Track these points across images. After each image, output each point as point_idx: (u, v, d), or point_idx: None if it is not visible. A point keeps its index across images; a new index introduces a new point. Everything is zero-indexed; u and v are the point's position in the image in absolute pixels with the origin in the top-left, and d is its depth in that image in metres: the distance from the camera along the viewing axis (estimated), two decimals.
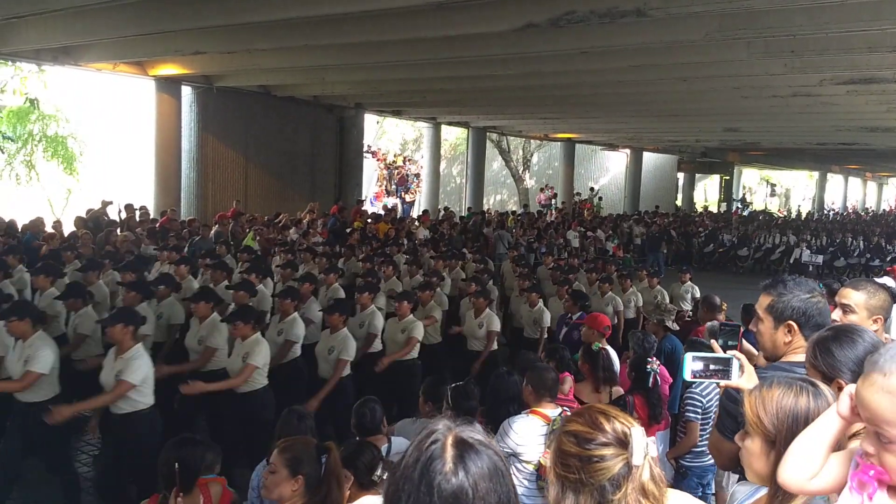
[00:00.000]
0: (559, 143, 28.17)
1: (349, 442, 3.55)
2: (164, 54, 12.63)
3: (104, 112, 21.54)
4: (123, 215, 13.37)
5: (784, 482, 1.48)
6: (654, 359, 4.95)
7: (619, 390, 5.09)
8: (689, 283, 9.85)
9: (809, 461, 1.43)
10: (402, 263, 10.13)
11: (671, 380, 5.42)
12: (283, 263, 9.12)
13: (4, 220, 11.79)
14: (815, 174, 44.79)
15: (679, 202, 35.83)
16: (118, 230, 12.05)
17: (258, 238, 12.27)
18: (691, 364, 2.30)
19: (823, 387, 1.77)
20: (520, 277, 9.27)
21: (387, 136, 31.94)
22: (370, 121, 24.26)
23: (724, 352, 2.42)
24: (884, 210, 46.29)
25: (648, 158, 32.62)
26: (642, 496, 1.52)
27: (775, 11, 8.21)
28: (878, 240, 21.46)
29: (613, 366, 5.31)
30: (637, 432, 1.54)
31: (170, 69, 13.97)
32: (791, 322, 2.48)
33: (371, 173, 27.95)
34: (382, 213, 19.24)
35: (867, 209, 45.98)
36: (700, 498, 3.50)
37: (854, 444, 1.39)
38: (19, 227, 11.59)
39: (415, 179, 28.79)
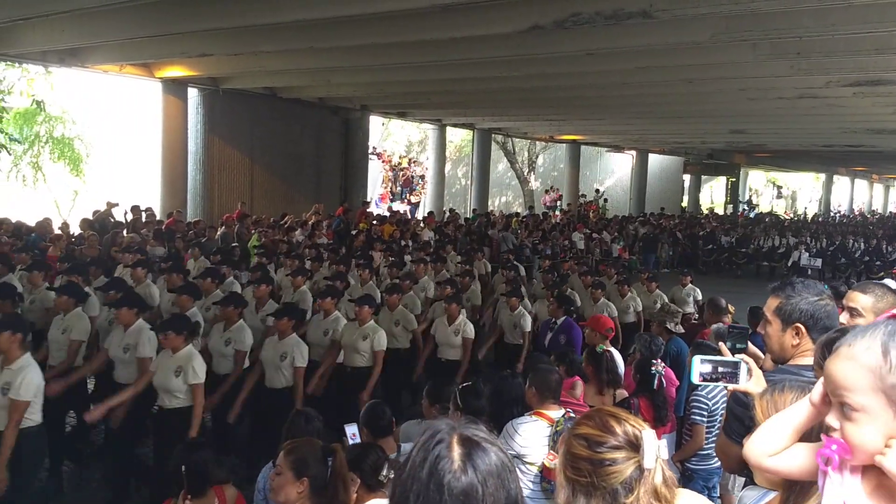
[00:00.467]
0: (564, 144, 28.14)
1: (354, 444, 3.53)
2: (171, 56, 12.68)
3: (111, 114, 21.63)
4: (129, 217, 13.41)
5: (745, 452, 1.55)
6: (660, 360, 4.92)
7: (623, 393, 5.07)
8: (691, 285, 9.75)
9: (771, 439, 1.48)
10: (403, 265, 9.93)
11: (678, 382, 5.40)
12: (292, 272, 8.54)
13: (11, 221, 11.82)
14: (822, 176, 44.70)
15: (685, 204, 35.76)
16: (124, 232, 12.07)
17: (263, 240, 12.29)
18: (699, 367, 2.29)
19: None
20: (506, 282, 9.01)
21: (392, 137, 31.98)
22: (375, 122, 24.29)
23: (733, 355, 2.41)
24: (890, 212, 46.09)
25: (654, 160, 32.57)
26: (654, 499, 1.51)
27: (781, 13, 8.19)
28: (877, 242, 21.34)
29: (617, 368, 5.30)
30: (648, 435, 1.53)
31: (176, 71, 14.03)
32: (799, 324, 2.48)
33: (376, 175, 28.00)
34: (388, 214, 19.27)
35: (873, 211, 45.82)
36: None
37: None
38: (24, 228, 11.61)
39: (420, 181, 28.83)
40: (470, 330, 7.08)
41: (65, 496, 5.59)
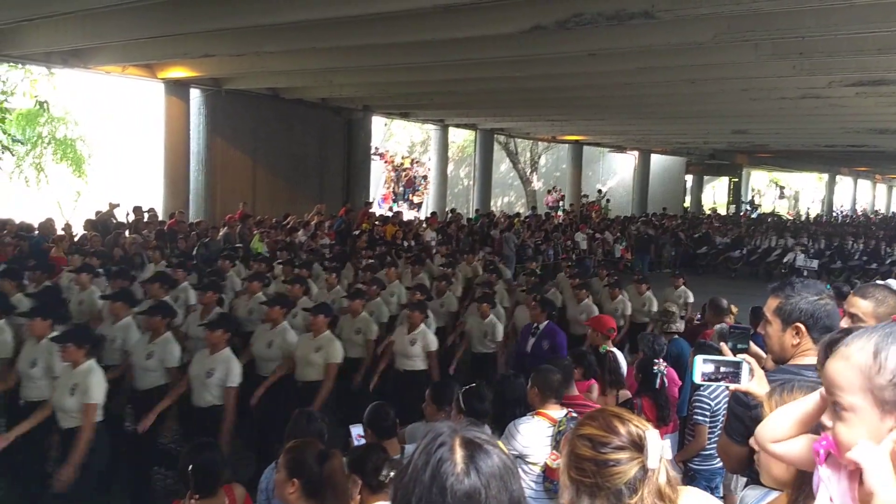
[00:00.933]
0: (567, 145, 28.14)
1: (356, 447, 3.52)
2: (173, 57, 12.69)
3: (113, 114, 21.68)
4: (132, 217, 13.43)
5: (755, 436, 1.63)
6: (662, 360, 4.92)
7: (626, 394, 5.07)
8: (683, 287, 9.64)
9: (779, 426, 1.53)
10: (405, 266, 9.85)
11: (680, 382, 5.40)
12: (247, 276, 8.16)
13: (15, 221, 11.84)
14: (825, 176, 44.62)
15: (687, 204, 35.72)
16: (126, 232, 12.09)
17: (265, 240, 12.30)
18: (701, 366, 2.29)
19: None
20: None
21: (394, 138, 32.00)
22: (378, 123, 24.29)
23: (734, 355, 2.41)
24: (893, 213, 45.98)
25: (656, 160, 32.55)
26: (658, 499, 1.51)
27: (784, 13, 8.18)
28: (876, 243, 20.99)
29: (620, 369, 5.30)
30: (652, 435, 1.53)
31: (178, 72, 14.05)
32: (799, 324, 2.47)
33: (379, 175, 28.02)
34: (390, 214, 19.27)
35: (876, 212, 45.71)
36: None
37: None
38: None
39: (422, 181, 28.84)
40: (432, 341, 6.49)
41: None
